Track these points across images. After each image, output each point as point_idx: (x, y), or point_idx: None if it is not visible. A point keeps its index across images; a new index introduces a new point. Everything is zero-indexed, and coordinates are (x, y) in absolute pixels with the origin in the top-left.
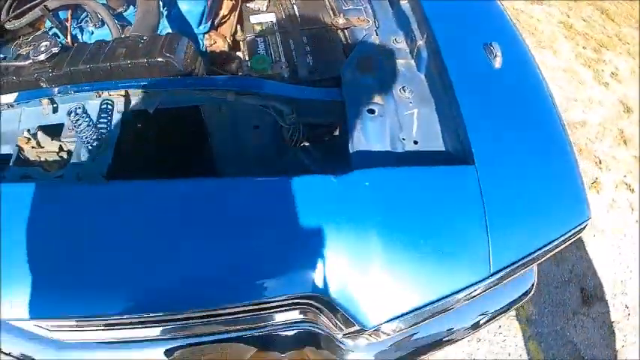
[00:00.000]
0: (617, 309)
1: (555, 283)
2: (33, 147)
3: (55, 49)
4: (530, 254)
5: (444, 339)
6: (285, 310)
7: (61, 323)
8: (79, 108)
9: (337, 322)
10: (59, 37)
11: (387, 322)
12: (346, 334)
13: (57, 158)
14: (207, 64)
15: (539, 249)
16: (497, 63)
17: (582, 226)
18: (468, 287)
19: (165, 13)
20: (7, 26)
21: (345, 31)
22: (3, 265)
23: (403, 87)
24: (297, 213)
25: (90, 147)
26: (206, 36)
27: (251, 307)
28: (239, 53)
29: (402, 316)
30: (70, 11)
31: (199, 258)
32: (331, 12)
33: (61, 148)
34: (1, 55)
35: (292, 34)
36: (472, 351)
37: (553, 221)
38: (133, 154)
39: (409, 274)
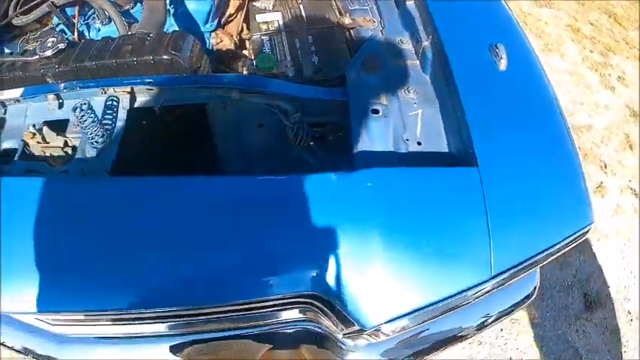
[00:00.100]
0: (619, 315)
1: (558, 287)
2: (38, 142)
3: (61, 45)
4: (531, 257)
5: (444, 341)
6: (286, 309)
7: (62, 317)
8: (85, 104)
9: (337, 321)
10: (66, 34)
11: (387, 322)
12: (346, 334)
13: (62, 153)
14: (214, 63)
15: (541, 252)
16: (502, 65)
17: (585, 230)
18: (468, 289)
19: (172, 11)
20: (15, 22)
21: (351, 30)
22: (4, 259)
23: (408, 88)
24: (300, 212)
25: (95, 143)
26: (212, 34)
27: (250, 306)
28: (245, 52)
29: (401, 317)
30: (77, 8)
31: (200, 256)
32: (337, 12)
33: (66, 144)
34: (8, 51)
35: (298, 33)
36: (473, 353)
37: (556, 224)
38: (138, 151)
39: (410, 275)
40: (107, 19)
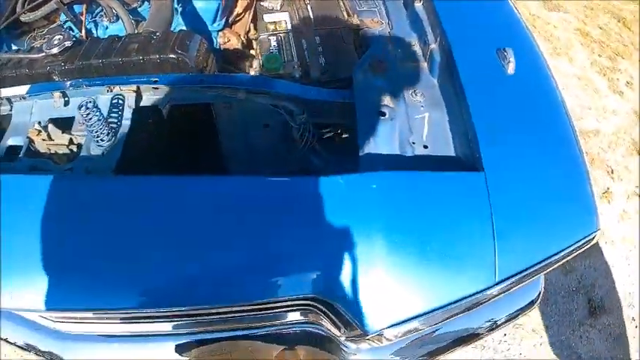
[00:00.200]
0: (623, 321)
1: (563, 293)
2: (43, 139)
3: (68, 43)
4: (537, 264)
5: (444, 347)
6: (287, 311)
7: (64, 315)
8: (90, 102)
9: (340, 325)
10: (73, 31)
11: (390, 327)
12: (349, 337)
13: (67, 151)
14: (221, 62)
15: (546, 259)
16: (510, 69)
17: (591, 237)
18: (472, 295)
19: (179, 9)
20: (23, 18)
21: (359, 32)
22: (5, 256)
23: (415, 90)
24: (304, 214)
25: (100, 141)
26: (220, 34)
27: (252, 307)
28: (252, 52)
29: (404, 321)
30: (85, 5)
31: (203, 256)
32: (345, 13)
33: (71, 142)
34: (16, 47)
35: (305, 33)
36: (475, 358)
37: (561, 231)
38: (143, 149)
39: (413, 279)
40: (115, 17)
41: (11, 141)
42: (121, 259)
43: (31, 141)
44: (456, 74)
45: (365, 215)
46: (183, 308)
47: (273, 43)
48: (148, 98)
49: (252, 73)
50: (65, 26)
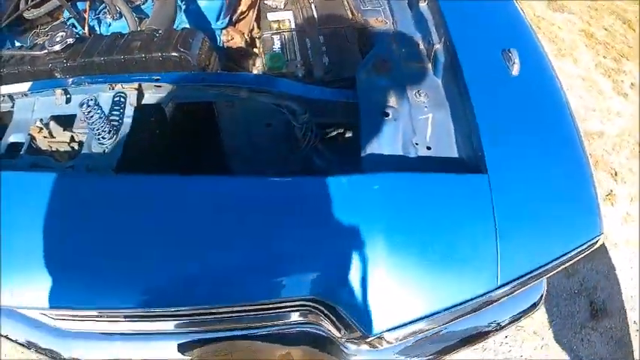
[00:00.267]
0: (625, 324)
1: (565, 295)
2: (45, 136)
3: (70, 40)
4: (539, 268)
5: (443, 350)
6: (286, 312)
7: (64, 313)
8: (92, 100)
9: (340, 326)
10: (76, 28)
11: (390, 330)
12: (349, 339)
13: (68, 149)
14: (224, 60)
15: (549, 263)
16: (515, 70)
17: (594, 242)
18: (474, 299)
19: (183, 7)
20: (26, 15)
21: (363, 31)
22: (5, 253)
23: (419, 91)
24: (304, 214)
25: (101, 139)
26: (224, 32)
27: (251, 307)
28: (256, 50)
29: (405, 325)
30: (88, 2)
31: (204, 255)
32: (349, 12)
33: (72, 139)
34: (19, 44)
35: (309, 32)
36: (476, 359)
37: (564, 235)
38: (145, 148)
39: (414, 282)
40: (118, 15)
41: (13, 138)
42: (121, 258)
43: (32, 138)
44: (460, 75)
45: (367, 217)
46: (182, 308)
47: (277, 41)
48: (150, 96)
49: (254, 71)
50: (68, 23)
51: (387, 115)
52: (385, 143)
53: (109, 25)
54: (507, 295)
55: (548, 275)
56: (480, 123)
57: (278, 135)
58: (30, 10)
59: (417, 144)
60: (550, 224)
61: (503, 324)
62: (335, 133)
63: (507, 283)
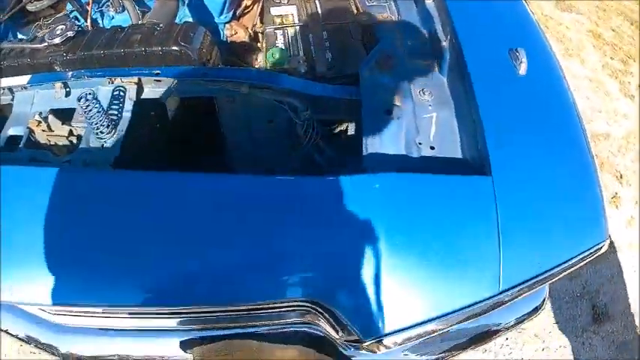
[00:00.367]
0: (627, 329)
1: (567, 298)
2: (43, 130)
3: (70, 33)
4: (542, 273)
5: (444, 352)
6: (283, 312)
7: (62, 308)
8: (90, 94)
9: (338, 329)
10: (79, 21)
11: (388, 335)
12: (347, 341)
13: (67, 143)
14: (227, 55)
15: (552, 268)
16: (522, 69)
17: (598, 247)
18: (474, 304)
19: (186, 1)
20: (29, 7)
21: (367, 27)
22: (3, 248)
23: (423, 89)
24: (301, 214)
25: (99, 133)
26: (227, 26)
27: (246, 307)
28: (260, 45)
29: (403, 330)
30: None
31: (200, 254)
32: (354, 8)
33: (71, 133)
34: (22, 36)
35: (313, 28)
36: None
37: (568, 240)
38: (144, 142)
39: (413, 286)
40: (121, 8)
41: (12, 131)
42: (116, 256)
43: (31, 131)
44: (466, 73)
45: (366, 218)
46: (177, 307)
47: (280, 36)
48: (150, 91)
49: (256, 66)
50: (71, 16)
51: (390, 113)
52: (387, 142)
53: (112, 19)
54: (510, 300)
55: (552, 281)
56: (485, 123)
57: (280, 132)
58: (33, 3)
59: (420, 143)
60: (554, 229)
61: (504, 327)
62: (337, 130)
63: (509, 289)
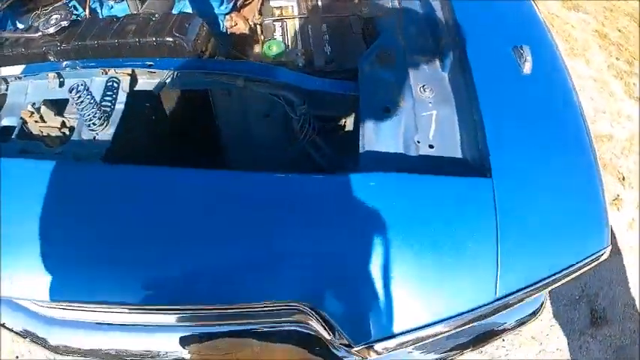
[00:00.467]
0: (624, 334)
1: (565, 301)
2: (36, 121)
3: (64, 23)
4: (540, 281)
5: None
6: (272, 312)
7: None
8: (81, 85)
9: (329, 331)
10: (77, 10)
11: (379, 341)
12: (338, 343)
13: (59, 134)
14: (227, 47)
15: (551, 276)
16: (527, 68)
17: (600, 254)
18: (469, 311)
19: None
20: None
21: (369, 21)
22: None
23: (424, 86)
24: (291, 214)
25: (91, 125)
26: (227, 17)
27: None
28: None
29: (394, 336)
30: None
31: (184, 254)
32: (356, 0)
33: (63, 124)
34: (21, 25)
35: (312, 20)
36: None
37: (569, 247)
38: (136, 136)
39: (406, 291)
40: None
41: (5, 121)
42: (108, 254)
43: (24, 122)
44: (468, 71)
45: (358, 221)
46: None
47: (278, 28)
48: (144, 82)
49: (252, 59)
50: (70, 5)
51: (389, 110)
52: (385, 140)
53: (111, 8)
54: (506, 308)
55: (552, 287)
56: (486, 122)
57: (276, 126)
58: None
59: (418, 142)
60: (555, 235)
61: (500, 331)
62: (335, 126)
63: (506, 296)
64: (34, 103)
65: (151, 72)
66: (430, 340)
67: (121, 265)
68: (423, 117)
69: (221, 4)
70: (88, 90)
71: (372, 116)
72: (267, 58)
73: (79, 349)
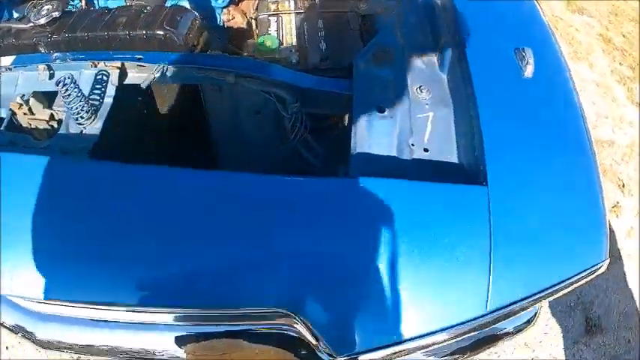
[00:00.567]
0: (619, 342)
1: (560, 308)
2: (25, 113)
3: (55, 14)
4: (533, 295)
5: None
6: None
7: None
8: (68, 78)
9: (313, 337)
10: (74, 1)
11: (362, 353)
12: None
13: (47, 127)
14: (224, 41)
15: (545, 290)
16: (529, 71)
17: (597, 268)
18: (458, 325)
19: None
20: None
21: (366, 18)
22: None
23: (420, 86)
24: (274, 219)
25: (79, 119)
26: (224, 10)
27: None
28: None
29: (379, 349)
30: None
31: (166, 255)
32: None
33: (52, 117)
34: (17, 15)
35: (308, 16)
36: None
37: (566, 259)
38: (124, 131)
39: (392, 301)
40: None
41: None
42: (97, 253)
43: (13, 114)
44: (467, 72)
45: (345, 226)
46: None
47: (273, 23)
48: (134, 76)
49: (245, 54)
50: None
51: (383, 110)
52: (378, 141)
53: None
54: (497, 322)
55: (548, 299)
56: (484, 127)
57: (267, 124)
58: None
59: (413, 145)
60: (551, 247)
61: (492, 341)
62: (328, 125)
63: (497, 310)
64: (23, 95)
65: (141, 66)
66: (418, 351)
67: (103, 264)
68: (419, 119)
69: None
70: (75, 83)
71: (365, 117)
72: (260, 54)
73: (71, 345)
